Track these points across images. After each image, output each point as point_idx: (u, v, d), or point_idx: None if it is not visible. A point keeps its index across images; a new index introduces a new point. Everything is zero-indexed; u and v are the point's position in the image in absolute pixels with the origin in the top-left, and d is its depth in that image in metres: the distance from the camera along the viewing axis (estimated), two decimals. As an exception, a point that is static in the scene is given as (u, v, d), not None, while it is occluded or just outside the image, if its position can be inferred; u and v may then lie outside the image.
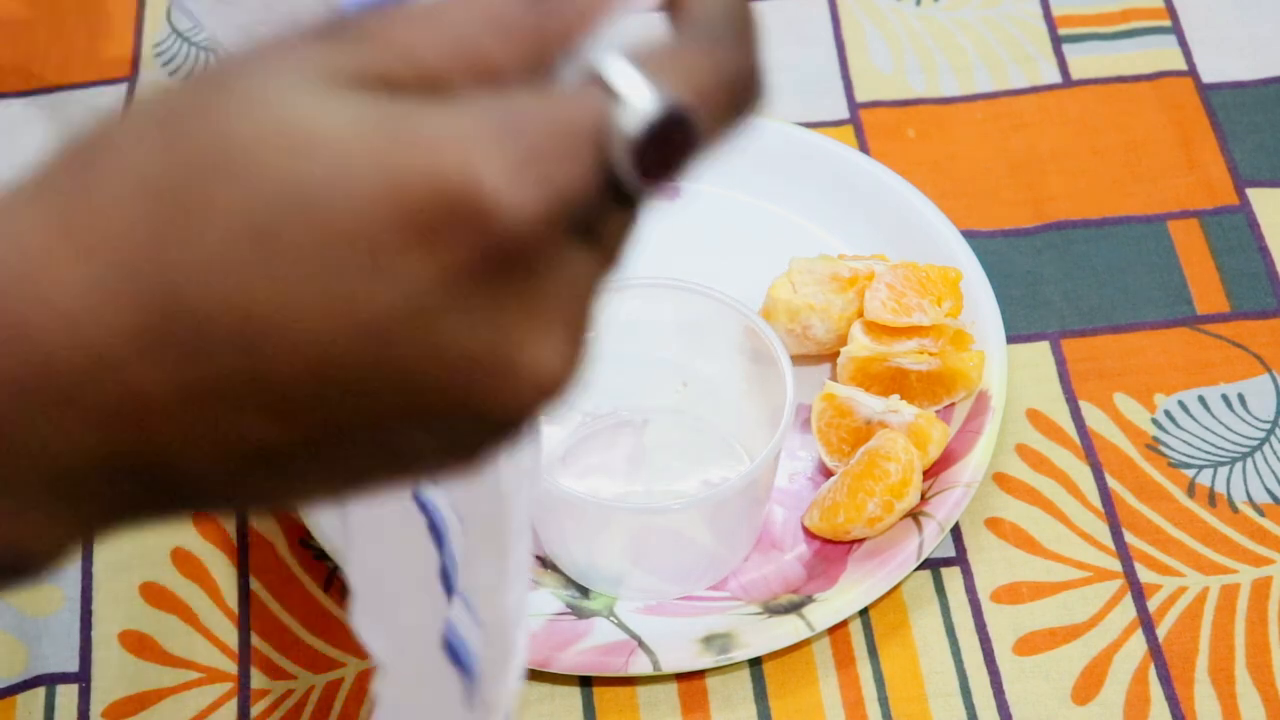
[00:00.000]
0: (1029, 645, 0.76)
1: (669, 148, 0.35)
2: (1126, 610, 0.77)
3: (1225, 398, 0.84)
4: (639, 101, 0.35)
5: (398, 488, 0.39)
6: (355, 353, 0.34)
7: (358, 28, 0.36)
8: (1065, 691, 0.75)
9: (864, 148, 0.93)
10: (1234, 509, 0.80)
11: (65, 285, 0.35)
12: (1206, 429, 0.83)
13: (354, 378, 0.35)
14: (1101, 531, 0.80)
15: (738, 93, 0.37)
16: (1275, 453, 0.82)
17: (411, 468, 0.37)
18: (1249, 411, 0.83)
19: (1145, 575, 0.78)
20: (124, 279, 0.35)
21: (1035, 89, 0.96)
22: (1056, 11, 0.99)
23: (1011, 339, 0.84)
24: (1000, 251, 0.89)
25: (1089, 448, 0.82)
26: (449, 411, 0.36)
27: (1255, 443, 0.82)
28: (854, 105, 0.95)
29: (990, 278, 0.84)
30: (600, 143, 0.35)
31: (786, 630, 0.75)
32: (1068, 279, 0.88)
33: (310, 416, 0.35)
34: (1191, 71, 0.96)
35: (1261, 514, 0.80)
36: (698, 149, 0.36)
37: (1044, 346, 0.86)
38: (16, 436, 0.35)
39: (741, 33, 0.38)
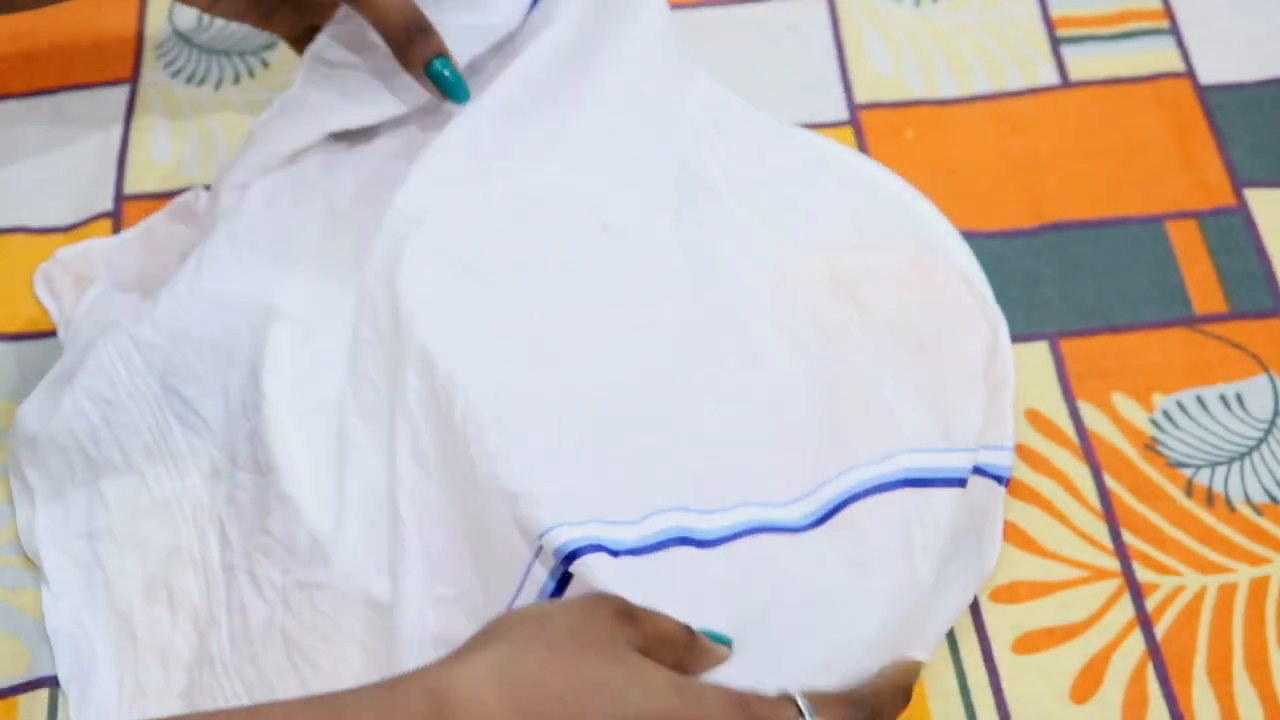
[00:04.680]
0: (1027, 644, 0.77)
1: None
2: (1125, 609, 0.77)
3: (1223, 398, 0.84)
4: (803, 706, 0.65)
5: None
6: None
7: (628, 614, 0.65)
8: (1064, 690, 0.75)
9: (863, 149, 0.93)
10: (1232, 509, 0.80)
11: None
12: (1204, 429, 0.83)
13: None
14: (1100, 531, 0.80)
15: None
16: (1273, 452, 0.82)
17: None
18: (1247, 411, 0.83)
19: (1143, 575, 0.78)
20: None
21: (1033, 90, 0.96)
22: (1054, 13, 0.99)
23: (1010, 339, 0.84)
24: (999, 252, 0.89)
25: (1087, 448, 0.82)
26: None
27: (1253, 442, 0.82)
28: (853, 106, 0.96)
29: (989, 278, 0.85)
30: None
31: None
32: (1066, 279, 0.88)
33: None
34: (1189, 72, 0.96)
35: (1259, 514, 0.80)
36: None
37: (1042, 347, 0.86)
38: None
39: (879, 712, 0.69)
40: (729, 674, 0.68)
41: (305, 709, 0.62)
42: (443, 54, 0.83)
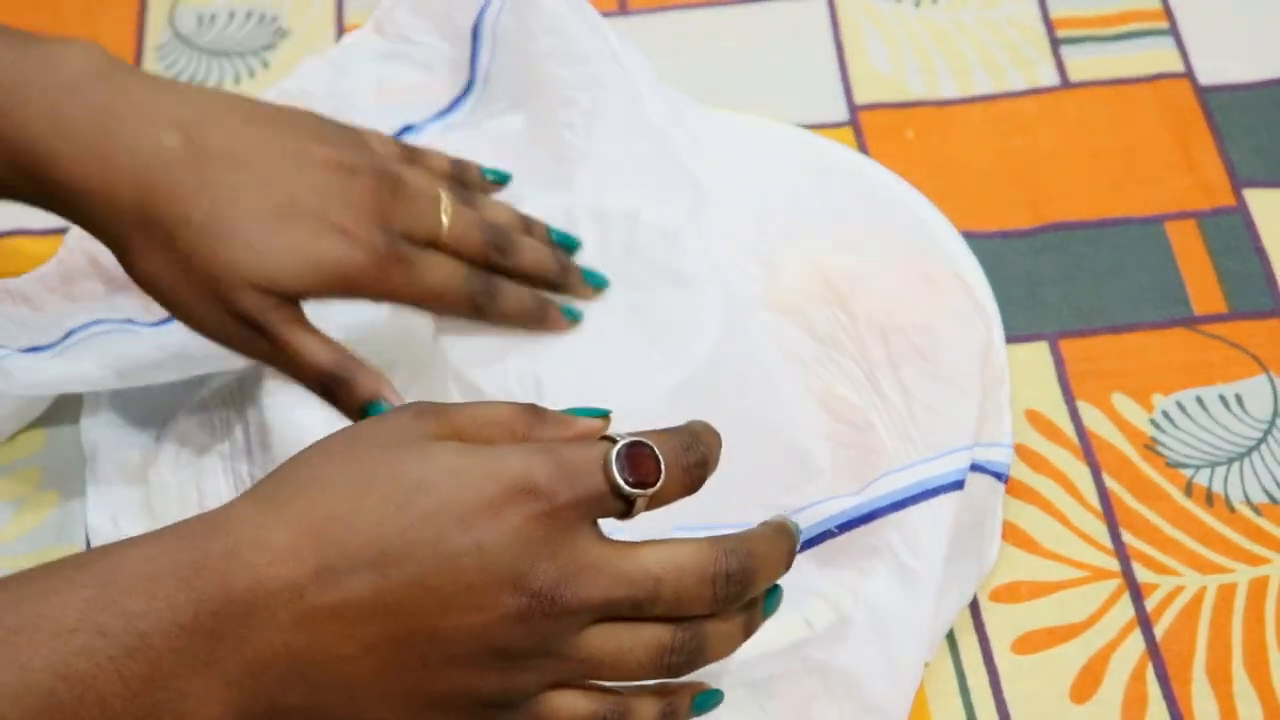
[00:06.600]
0: (1027, 644, 0.77)
1: (641, 463, 0.61)
2: (1124, 609, 0.77)
3: (1223, 398, 0.84)
4: (620, 439, 0.62)
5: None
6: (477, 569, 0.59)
7: (433, 411, 0.63)
8: (1063, 691, 0.75)
9: (863, 149, 0.93)
10: (1231, 509, 0.80)
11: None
12: (1204, 429, 0.83)
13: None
14: (1099, 531, 0.80)
15: (687, 451, 0.63)
16: (1272, 453, 0.82)
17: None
18: (1246, 412, 0.83)
19: (1143, 575, 0.78)
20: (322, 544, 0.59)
21: (1034, 91, 0.96)
22: (1054, 13, 0.99)
23: (1010, 340, 0.84)
24: (999, 252, 0.89)
25: (1087, 448, 0.82)
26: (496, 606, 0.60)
27: (1252, 443, 0.82)
28: (853, 107, 0.96)
29: (989, 279, 0.85)
30: (605, 462, 0.61)
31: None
32: (1066, 280, 0.88)
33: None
34: (1189, 73, 0.96)
35: (1258, 514, 0.80)
36: (659, 467, 0.62)
37: (1042, 347, 0.86)
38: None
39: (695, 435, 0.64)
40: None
41: None
42: (374, 398, 0.75)
